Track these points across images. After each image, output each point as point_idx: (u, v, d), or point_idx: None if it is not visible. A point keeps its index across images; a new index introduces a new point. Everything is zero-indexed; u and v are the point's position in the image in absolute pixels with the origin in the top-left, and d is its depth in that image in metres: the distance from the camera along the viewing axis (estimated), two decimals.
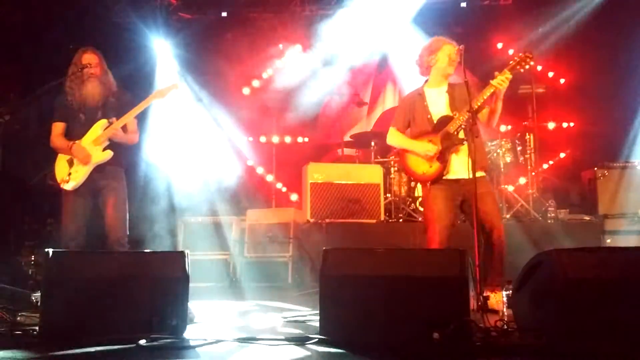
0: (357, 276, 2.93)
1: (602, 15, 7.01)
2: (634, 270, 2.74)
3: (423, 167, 4.03)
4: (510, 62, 3.85)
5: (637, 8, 6.74)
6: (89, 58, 4.14)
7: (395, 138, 4.22)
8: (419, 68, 4.19)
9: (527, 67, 3.83)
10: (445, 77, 4.08)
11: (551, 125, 7.61)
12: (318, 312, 2.96)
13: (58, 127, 4.18)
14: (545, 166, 7.50)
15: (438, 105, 4.05)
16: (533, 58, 3.82)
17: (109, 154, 4.06)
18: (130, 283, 3.03)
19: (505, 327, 2.91)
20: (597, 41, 6.97)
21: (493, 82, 3.78)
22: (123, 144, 4.17)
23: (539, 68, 7.72)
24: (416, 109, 4.12)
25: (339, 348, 2.74)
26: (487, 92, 3.82)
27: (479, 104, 3.82)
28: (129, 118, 4.11)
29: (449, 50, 4.01)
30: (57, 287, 3.01)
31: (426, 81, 4.17)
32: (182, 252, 3.15)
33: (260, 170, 8.23)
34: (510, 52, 7.58)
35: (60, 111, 4.19)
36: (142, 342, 2.74)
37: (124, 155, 4.23)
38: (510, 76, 3.77)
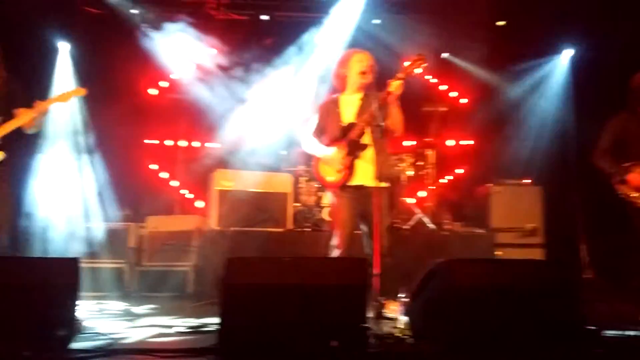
0: (260, 285, 2.90)
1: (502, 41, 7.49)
2: (520, 280, 2.95)
3: (330, 174, 4.12)
4: (404, 63, 4.00)
5: (526, 38, 7.27)
6: None
7: (309, 144, 4.29)
8: (336, 82, 4.26)
9: (420, 69, 3.96)
10: (360, 87, 4.13)
11: (451, 143, 7.99)
12: (217, 321, 2.89)
13: None
14: (443, 181, 7.85)
15: (348, 112, 4.15)
16: (426, 60, 3.95)
17: (1, 155, 3.81)
18: (14, 290, 2.81)
19: (401, 334, 3.01)
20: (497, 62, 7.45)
21: (389, 88, 3.91)
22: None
23: (444, 87, 8.11)
24: (330, 115, 4.21)
25: (237, 358, 2.70)
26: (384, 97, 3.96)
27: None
28: (25, 120, 3.85)
29: (359, 58, 4.12)
30: None
31: (343, 90, 4.25)
32: (74, 259, 2.99)
33: (168, 176, 7.93)
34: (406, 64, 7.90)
35: None
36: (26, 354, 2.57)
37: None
38: (403, 78, 3.88)
